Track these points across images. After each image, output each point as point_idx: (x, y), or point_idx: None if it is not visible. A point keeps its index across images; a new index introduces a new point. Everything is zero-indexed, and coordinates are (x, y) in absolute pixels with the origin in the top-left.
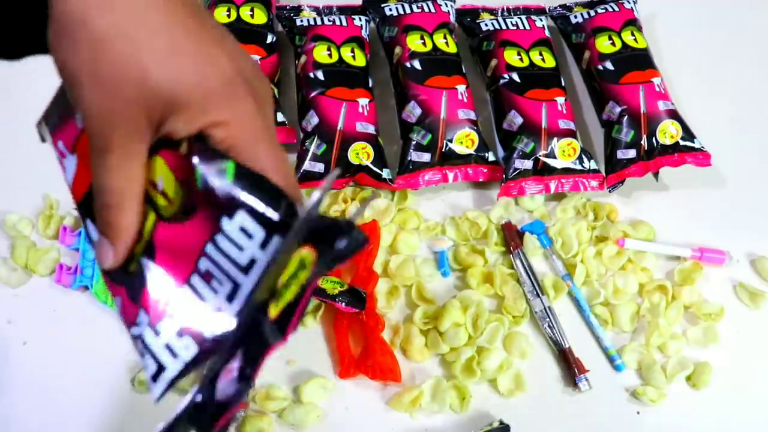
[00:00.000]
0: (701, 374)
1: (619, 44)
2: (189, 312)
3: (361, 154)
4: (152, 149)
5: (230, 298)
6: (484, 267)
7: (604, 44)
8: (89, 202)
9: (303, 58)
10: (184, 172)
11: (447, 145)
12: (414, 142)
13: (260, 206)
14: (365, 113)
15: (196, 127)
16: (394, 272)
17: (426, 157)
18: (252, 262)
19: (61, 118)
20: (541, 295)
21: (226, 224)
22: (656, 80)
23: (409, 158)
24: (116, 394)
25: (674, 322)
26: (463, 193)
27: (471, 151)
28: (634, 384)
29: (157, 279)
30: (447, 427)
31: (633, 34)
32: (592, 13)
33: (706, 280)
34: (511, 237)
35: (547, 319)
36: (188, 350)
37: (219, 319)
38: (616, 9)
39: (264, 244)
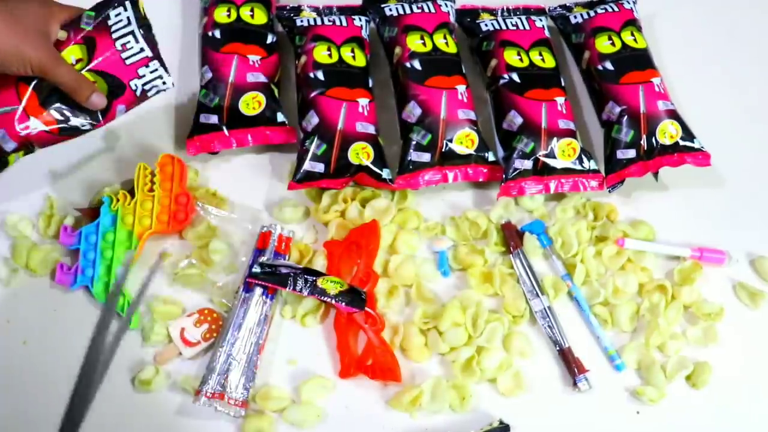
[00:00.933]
0: (701, 374)
1: (618, 44)
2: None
3: (361, 154)
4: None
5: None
6: (483, 267)
7: (603, 44)
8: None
9: (303, 59)
10: (76, 33)
11: (447, 145)
12: (414, 142)
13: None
14: (365, 113)
15: (59, 25)
16: (394, 272)
17: (426, 157)
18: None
19: None
20: (540, 294)
21: (111, 20)
22: (656, 80)
23: (409, 158)
24: (116, 393)
25: (674, 322)
26: (463, 193)
27: (471, 151)
28: (633, 384)
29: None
30: (447, 427)
31: (633, 35)
32: (592, 13)
33: (705, 280)
34: (511, 237)
35: (547, 319)
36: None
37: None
38: (616, 9)
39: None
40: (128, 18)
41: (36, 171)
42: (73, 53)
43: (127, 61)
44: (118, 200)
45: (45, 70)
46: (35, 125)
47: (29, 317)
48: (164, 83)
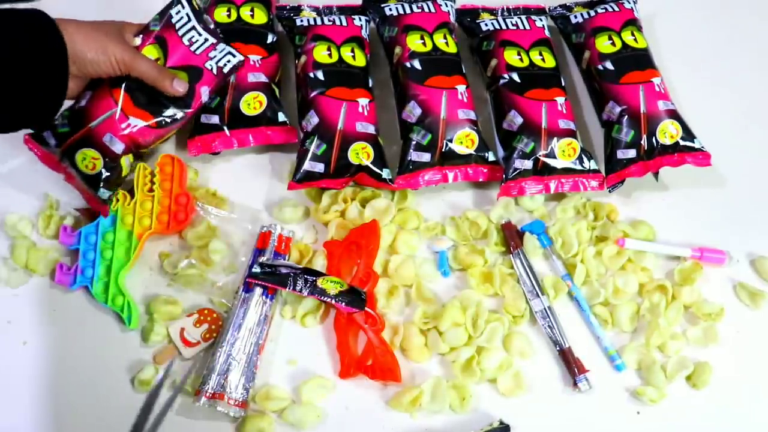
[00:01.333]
0: (701, 374)
1: (619, 44)
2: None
3: (361, 154)
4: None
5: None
6: (484, 267)
7: (604, 44)
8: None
9: (303, 58)
10: (147, 35)
11: (447, 145)
12: (414, 142)
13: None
14: (365, 113)
15: (131, 34)
16: (394, 272)
17: (426, 157)
18: (187, 16)
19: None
20: (541, 295)
21: (174, 18)
22: (656, 80)
23: (409, 158)
24: (116, 394)
25: (674, 322)
26: (463, 193)
27: (471, 151)
28: (634, 384)
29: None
30: (447, 427)
31: (633, 34)
32: (592, 13)
33: (706, 280)
34: (511, 237)
35: (547, 319)
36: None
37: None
38: (616, 9)
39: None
40: (187, 15)
41: (36, 171)
42: (149, 53)
43: (197, 52)
44: (117, 200)
45: (128, 63)
46: (135, 122)
47: (29, 317)
48: (235, 57)
